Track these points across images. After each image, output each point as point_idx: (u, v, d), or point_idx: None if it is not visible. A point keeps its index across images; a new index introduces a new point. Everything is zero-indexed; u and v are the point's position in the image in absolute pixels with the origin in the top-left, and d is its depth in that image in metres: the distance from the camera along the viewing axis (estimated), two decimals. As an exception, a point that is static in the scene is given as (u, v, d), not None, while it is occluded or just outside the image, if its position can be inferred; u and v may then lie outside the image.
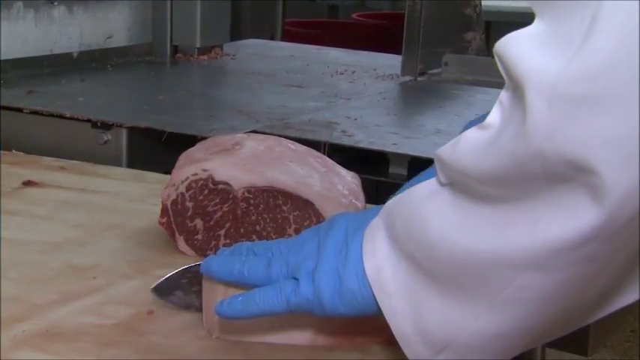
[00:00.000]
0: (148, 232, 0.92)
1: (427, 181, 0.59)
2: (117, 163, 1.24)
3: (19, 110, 1.32)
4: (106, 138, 1.26)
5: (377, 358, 0.69)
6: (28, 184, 1.07)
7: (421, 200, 0.58)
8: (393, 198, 0.62)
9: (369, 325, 0.68)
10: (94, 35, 1.74)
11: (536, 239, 0.51)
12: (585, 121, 0.47)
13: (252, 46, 2.17)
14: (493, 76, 1.81)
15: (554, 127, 0.48)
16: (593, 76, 0.47)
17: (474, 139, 0.54)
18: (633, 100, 0.46)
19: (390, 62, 1.91)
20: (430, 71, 1.82)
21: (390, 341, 0.68)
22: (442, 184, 0.57)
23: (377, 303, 0.60)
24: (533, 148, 0.49)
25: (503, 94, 0.52)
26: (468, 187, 0.55)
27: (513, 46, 0.50)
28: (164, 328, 0.72)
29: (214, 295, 0.69)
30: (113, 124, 1.26)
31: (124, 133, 1.26)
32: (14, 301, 0.75)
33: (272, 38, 2.65)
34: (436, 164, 0.57)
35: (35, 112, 1.31)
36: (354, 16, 3.68)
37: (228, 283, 0.67)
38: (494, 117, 0.53)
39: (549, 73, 0.48)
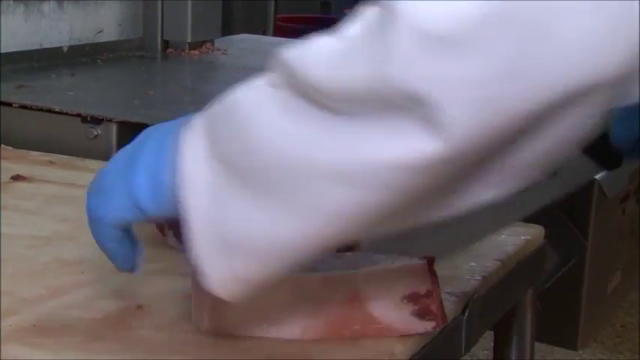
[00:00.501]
0: (137, 226, 0.91)
1: (256, 84, 0.55)
2: (107, 158, 1.20)
3: (9, 105, 1.31)
4: (95, 133, 1.26)
5: (366, 350, 0.68)
6: (16, 178, 1.07)
7: (251, 108, 0.55)
8: (217, 102, 0.58)
9: (359, 318, 0.68)
10: (85, 30, 1.73)
11: (360, 155, 0.51)
12: (441, 60, 0.48)
13: (244, 41, 2.17)
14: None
15: (412, 61, 0.49)
16: (461, 18, 0.48)
17: (327, 50, 0.52)
18: (492, 44, 0.48)
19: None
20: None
21: (379, 334, 0.68)
22: (274, 85, 0.54)
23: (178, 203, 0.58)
24: (386, 75, 0.49)
25: (369, 10, 0.51)
26: (305, 92, 0.53)
27: None
28: (153, 322, 0.71)
29: (203, 293, 0.69)
30: (103, 119, 1.26)
31: (113, 127, 1.25)
32: (2, 295, 0.75)
33: (264, 34, 2.65)
34: (276, 65, 0.54)
35: (24, 107, 1.31)
36: (346, 11, 3.67)
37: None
38: (353, 29, 0.52)
39: (423, 9, 0.49)
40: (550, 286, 2.11)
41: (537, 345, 1.07)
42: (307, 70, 0.52)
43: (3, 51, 1.55)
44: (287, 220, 0.54)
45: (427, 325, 0.68)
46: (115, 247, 0.66)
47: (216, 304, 0.67)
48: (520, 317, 0.96)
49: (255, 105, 0.55)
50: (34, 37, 1.62)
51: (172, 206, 0.59)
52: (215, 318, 0.69)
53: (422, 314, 0.68)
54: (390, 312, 0.68)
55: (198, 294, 0.70)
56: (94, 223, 0.65)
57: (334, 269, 0.68)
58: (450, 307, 0.75)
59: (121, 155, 0.65)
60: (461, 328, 0.77)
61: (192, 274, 0.70)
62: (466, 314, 0.77)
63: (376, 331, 0.68)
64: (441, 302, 0.69)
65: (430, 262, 0.69)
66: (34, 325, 0.70)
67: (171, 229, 0.86)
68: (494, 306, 0.85)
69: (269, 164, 0.54)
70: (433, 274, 0.69)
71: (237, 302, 0.63)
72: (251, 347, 0.68)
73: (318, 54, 0.52)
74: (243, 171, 0.55)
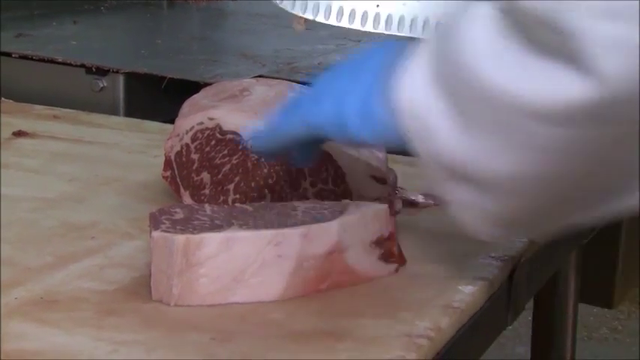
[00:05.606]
0: (150, 186, 0.85)
1: (482, 12, 0.55)
2: (113, 111, 1.17)
3: (8, 55, 1.25)
4: (101, 85, 1.19)
5: (405, 325, 0.62)
6: (18, 134, 1.00)
7: (468, 18, 0.55)
8: (442, 27, 0.59)
9: (336, 269, 0.66)
10: (86, -26, 1.65)
11: (559, 93, 0.50)
12: None
13: (253, -14, 2.08)
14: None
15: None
16: None
17: None
18: None
19: None
20: (442, 11, 1.73)
21: (352, 283, 0.66)
22: (495, 8, 0.54)
23: (398, 132, 0.59)
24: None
25: None
26: (516, 17, 0.52)
27: None
28: (171, 294, 0.65)
29: (171, 260, 0.63)
30: (109, 70, 1.19)
31: (120, 79, 1.19)
32: (6, 265, 0.69)
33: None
34: None
35: (25, 57, 1.24)
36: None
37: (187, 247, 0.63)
38: None
39: None
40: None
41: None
42: None
43: (0, -2, 1.47)
44: (500, 153, 0.54)
45: (390, 268, 0.68)
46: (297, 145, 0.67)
47: (184, 271, 0.63)
48: (563, 279, 0.90)
49: (473, 18, 0.55)
50: (32, -18, 1.54)
51: (378, 134, 0.61)
52: (186, 288, 0.63)
53: (386, 257, 0.68)
54: (362, 260, 0.67)
55: (161, 265, 0.64)
56: (293, 113, 0.65)
57: (287, 222, 0.65)
58: (495, 272, 0.69)
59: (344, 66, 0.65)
60: (508, 295, 0.71)
61: (153, 243, 0.64)
62: (514, 280, 0.71)
63: (350, 280, 0.66)
64: (398, 242, 0.69)
65: (390, 204, 0.70)
66: (42, 298, 0.64)
67: (187, 189, 0.80)
68: (541, 269, 0.79)
69: (475, 87, 0.54)
70: (393, 214, 0.70)
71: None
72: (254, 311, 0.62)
73: None
74: (453, 89, 0.56)
